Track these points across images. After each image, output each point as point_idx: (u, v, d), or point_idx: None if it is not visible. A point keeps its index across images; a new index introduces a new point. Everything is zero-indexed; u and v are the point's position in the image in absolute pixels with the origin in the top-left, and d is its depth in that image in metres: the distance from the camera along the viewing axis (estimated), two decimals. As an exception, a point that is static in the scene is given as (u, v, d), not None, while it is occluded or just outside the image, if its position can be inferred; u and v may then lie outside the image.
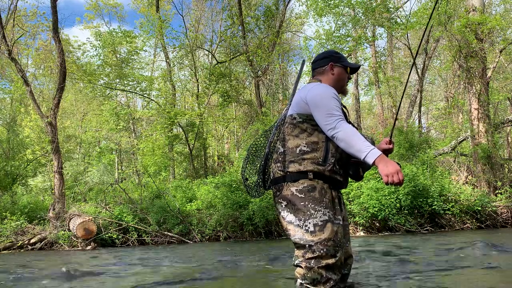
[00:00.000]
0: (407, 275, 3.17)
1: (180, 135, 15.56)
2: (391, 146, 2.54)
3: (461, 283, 2.92)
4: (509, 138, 15.85)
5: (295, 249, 2.27)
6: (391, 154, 2.64)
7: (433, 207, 8.56)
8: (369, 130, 23.06)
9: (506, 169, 11.16)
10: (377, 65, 17.36)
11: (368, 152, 2.05)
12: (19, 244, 8.14)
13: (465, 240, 6.11)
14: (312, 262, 2.16)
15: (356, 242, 6.71)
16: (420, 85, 15.36)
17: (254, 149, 2.49)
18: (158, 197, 10.10)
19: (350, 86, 19.78)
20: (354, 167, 2.36)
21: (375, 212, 8.49)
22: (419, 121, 15.76)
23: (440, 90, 22.27)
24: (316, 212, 2.20)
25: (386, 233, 8.54)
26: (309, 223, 2.19)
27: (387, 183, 2.04)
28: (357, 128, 2.25)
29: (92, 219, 8.19)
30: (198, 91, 16.27)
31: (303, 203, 2.23)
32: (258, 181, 2.41)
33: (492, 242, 5.09)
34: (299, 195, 2.24)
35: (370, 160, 2.05)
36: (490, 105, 12.42)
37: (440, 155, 12.03)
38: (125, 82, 16.30)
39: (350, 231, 8.79)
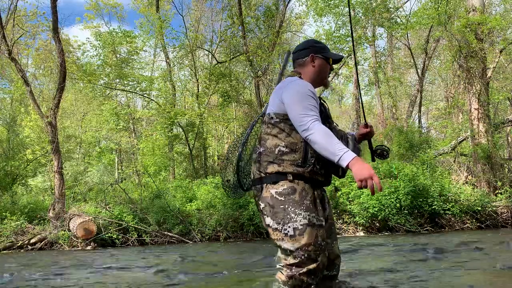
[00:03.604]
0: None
1: (180, 135, 15.55)
2: (369, 129, 2.50)
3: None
4: (509, 138, 15.86)
5: (278, 250, 2.20)
6: (392, 155, 2.62)
7: (433, 207, 8.56)
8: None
9: (506, 169, 11.15)
10: (377, 65, 17.34)
11: (341, 156, 1.97)
12: (19, 244, 8.14)
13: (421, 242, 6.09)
14: (293, 269, 2.09)
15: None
16: (420, 85, 15.37)
17: (233, 149, 2.46)
18: (158, 197, 10.09)
19: (350, 86, 19.81)
20: (335, 166, 2.21)
21: (375, 212, 8.48)
22: (419, 121, 15.79)
23: (440, 90, 22.26)
24: (296, 216, 2.11)
25: (386, 233, 8.54)
26: (289, 227, 2.10)
27: (360, 188, 1.97)
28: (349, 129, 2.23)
29: (92, 219, 8.18)
30: (198, 91, 16.26)
31: (282, 206, 2.14)
32: (235, 182, 2.37)
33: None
34: (279, 198, 2.15)
35: (343, 163, 1.97)
36: (490, 105, 12.41)
37: (440, 155, 12.02)
38: (125, 82, 16.29)
39: (350, 231, 8.78)
